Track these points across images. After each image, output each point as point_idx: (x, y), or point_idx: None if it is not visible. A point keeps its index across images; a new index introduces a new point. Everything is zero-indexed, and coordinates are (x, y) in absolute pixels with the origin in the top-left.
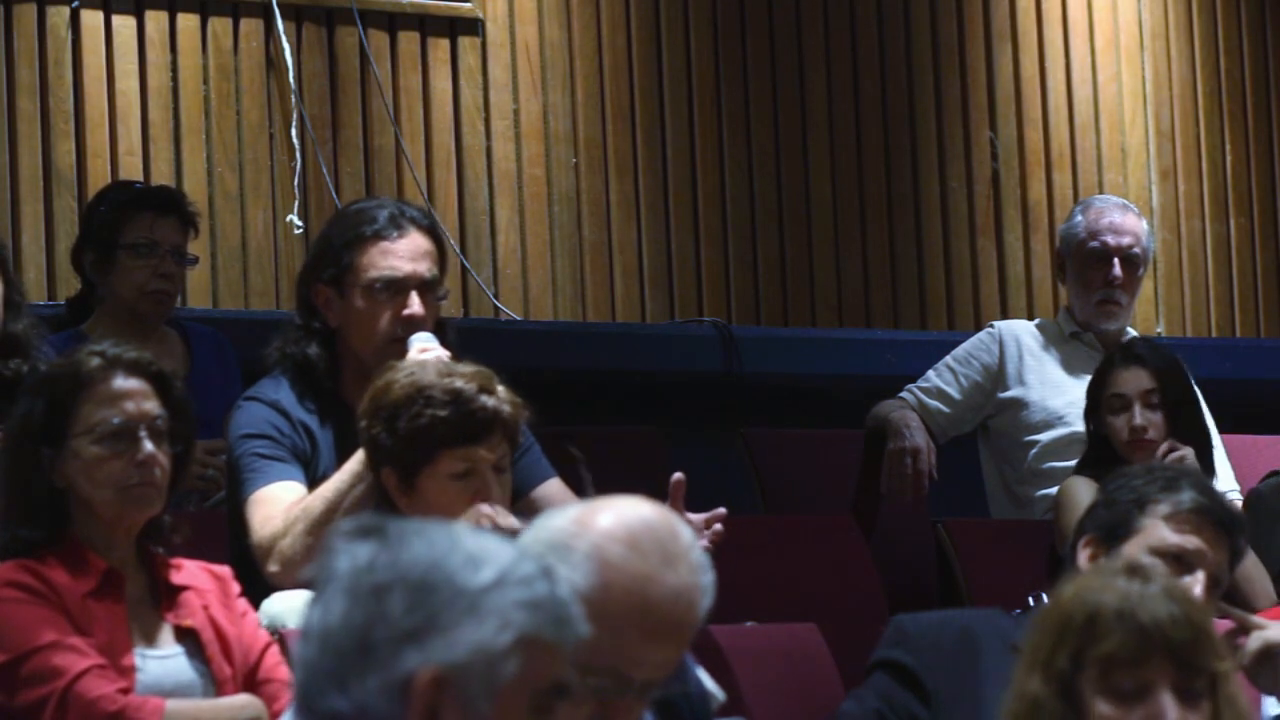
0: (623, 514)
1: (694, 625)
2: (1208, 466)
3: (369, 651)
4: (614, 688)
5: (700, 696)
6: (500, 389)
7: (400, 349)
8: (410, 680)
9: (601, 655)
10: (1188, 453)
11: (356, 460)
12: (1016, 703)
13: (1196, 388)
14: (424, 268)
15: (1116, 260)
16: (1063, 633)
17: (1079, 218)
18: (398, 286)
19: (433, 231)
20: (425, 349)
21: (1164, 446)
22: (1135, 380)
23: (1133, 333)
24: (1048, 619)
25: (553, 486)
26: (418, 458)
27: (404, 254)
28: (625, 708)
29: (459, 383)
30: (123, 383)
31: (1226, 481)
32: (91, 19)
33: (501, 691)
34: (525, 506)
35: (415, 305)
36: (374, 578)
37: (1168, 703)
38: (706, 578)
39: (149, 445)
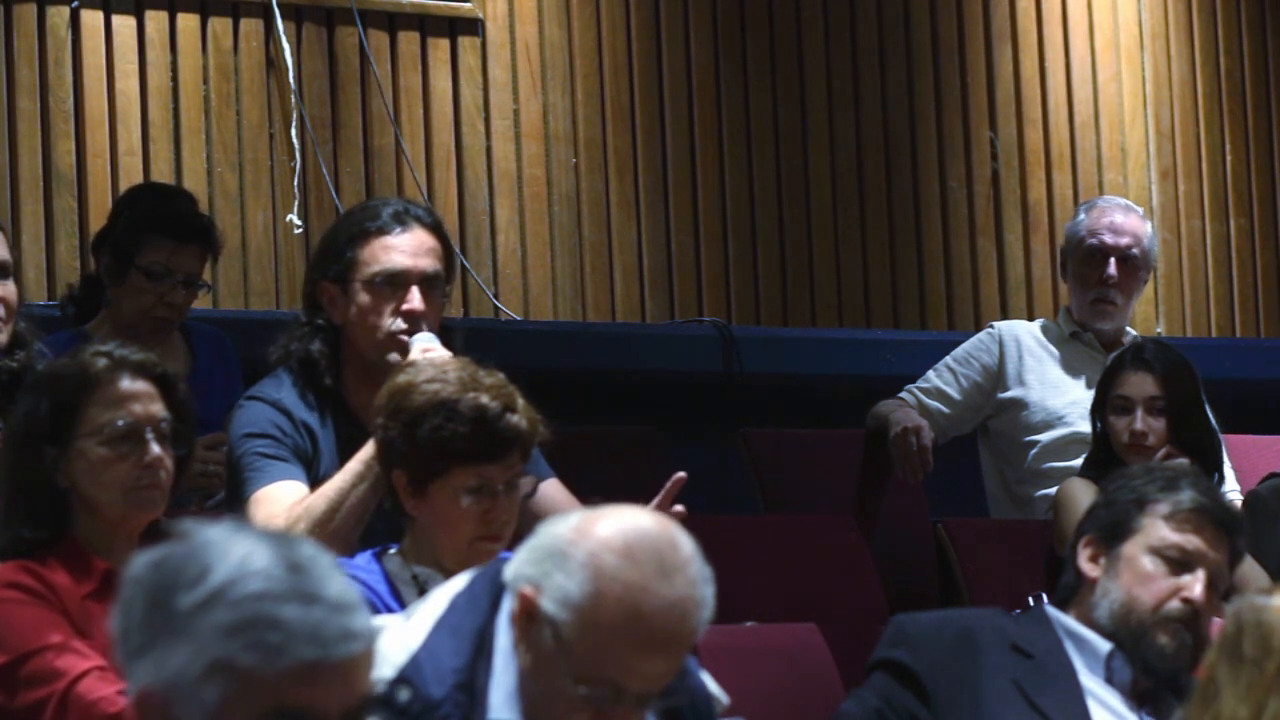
0: (622, 524)
1: (689, 638)
2: (1217, 471)
3: (124, 663)
4: (608, 697)
5: (704, 700)
6: (521, 404)
7: (402, 344)
8: (136, 695)
9: (595, 665)
10: (1184, 463)
11: (359, 460)
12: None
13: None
14: (426, 263)
15: (1113, 260)
16: None
17: (1082, 216)
18: (399, 280)
19: (437, 229)
20: (427, 349)
21: (1161, 453)
22: (1140, 385)
23: (1132, 333)
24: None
25: (551, 487)
26: (432, 468)
27: (406, 249)
28: (620, 718)
29: (484, 399)
30: (129, 384)
31: (1227, 482)
32: (91, 19)
33: (214, 715)
34: (524, 508)
35: (416, 300)
36: (128, 591)
37: None
38: (705, 590)
39: (155, 448)
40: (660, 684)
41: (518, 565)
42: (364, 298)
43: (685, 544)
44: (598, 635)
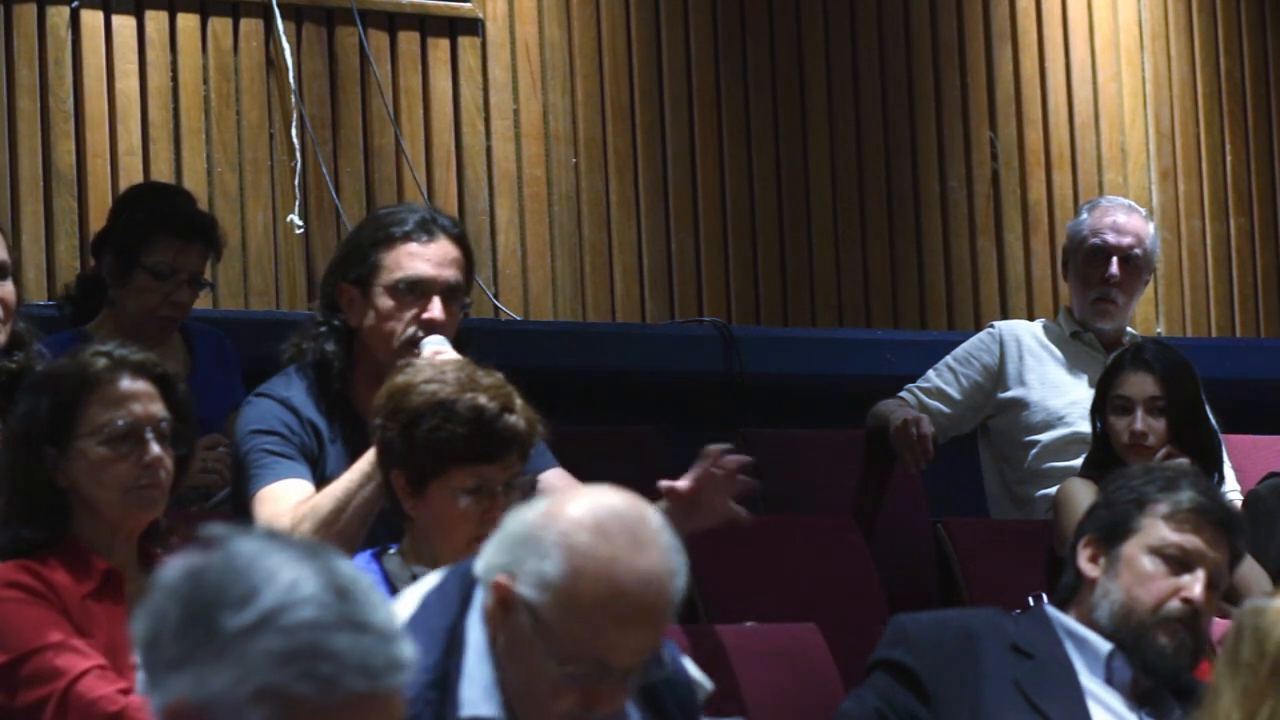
0: (590, 502)
1: (667, 608)
2: (1217, 471)
3: (150, 670)
4: (593, 675)
5: (685, 684)
6: (519, 404)
7: (416, 352)
8: (167, 705)
9: (578, 643)
10: (1184, 463)
11: (366, 460)
12: None
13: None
14: (449, 274)
15: (1115, 259)
16: None
17: (1085, 215)
18: (421, 289)
19: (461, 240)
20: (438, 351)
21: (1161, 453)
22: (1140, 385)
23: (1132, 332)
24: None
25: (553, 476)
26: (430, 468)
27: (431, 258)
28: (607, 695)
29: (482, 399)
30: (129, 384)
31: (1227, 482)
32: (91, 19)
33: None
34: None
35: (436, 310)
36: (160, 598)
37: None
38: (677, 561)
39: (155, 448)
40: (642, 657)
41: (488, 557)
42: (385, 302)
43: (653, 516)
44: (578, 613)
